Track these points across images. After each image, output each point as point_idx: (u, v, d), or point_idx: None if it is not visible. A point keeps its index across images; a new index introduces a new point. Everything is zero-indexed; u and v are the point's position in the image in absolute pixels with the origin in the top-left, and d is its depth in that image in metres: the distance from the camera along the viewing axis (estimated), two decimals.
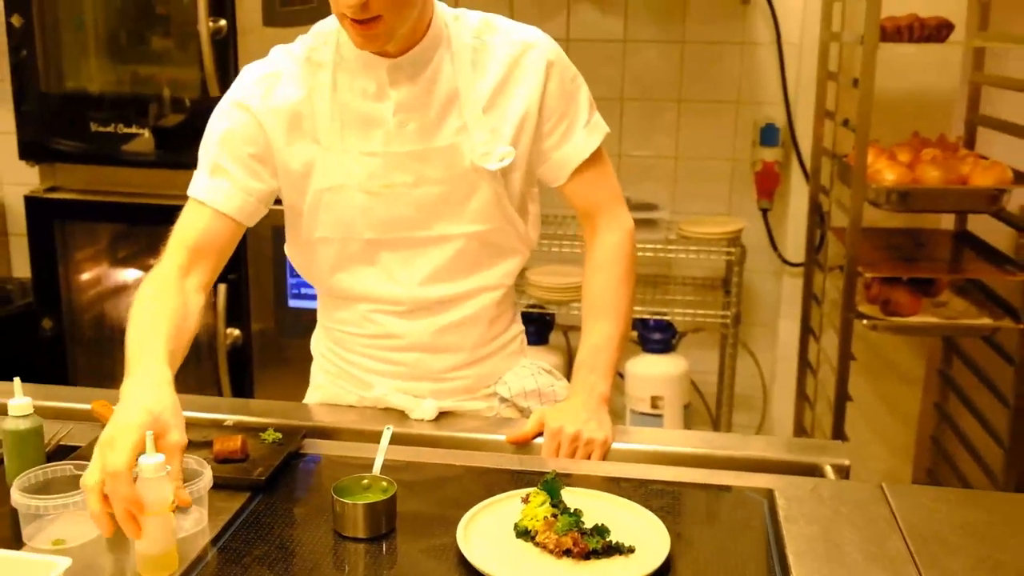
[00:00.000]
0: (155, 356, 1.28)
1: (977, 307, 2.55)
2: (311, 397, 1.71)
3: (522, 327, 1.71)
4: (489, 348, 1.62)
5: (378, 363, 1.60)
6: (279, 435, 1.43)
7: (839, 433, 2.59)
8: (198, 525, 1.23)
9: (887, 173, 2.36)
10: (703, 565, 1.17)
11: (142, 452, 1.11)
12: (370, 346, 1.59)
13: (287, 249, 1.62)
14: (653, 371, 3.00)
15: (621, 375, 3.09)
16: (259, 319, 2.87)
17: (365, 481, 1.25)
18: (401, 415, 1.58)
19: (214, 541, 1.21)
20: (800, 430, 3.03)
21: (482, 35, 1.50)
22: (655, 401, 2.98)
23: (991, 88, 2.71)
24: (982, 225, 2.70)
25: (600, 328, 1.58)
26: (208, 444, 1.38)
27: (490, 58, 1.49)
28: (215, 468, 1.33)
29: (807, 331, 2.97)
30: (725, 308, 2.96)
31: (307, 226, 1.53)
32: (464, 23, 1.51)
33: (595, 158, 1.58)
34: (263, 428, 1.45)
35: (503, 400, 1.64)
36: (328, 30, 1.49)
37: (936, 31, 2.44)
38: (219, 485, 1.29)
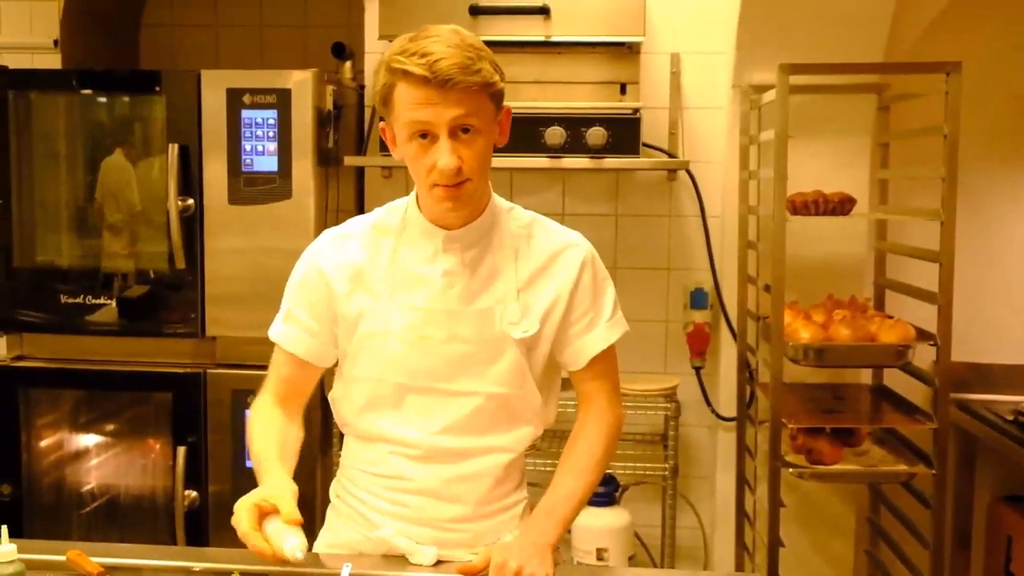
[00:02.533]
0: (273, 466, 1.64)
1: (895, 455, 2.74)
2: (323, 539, 1.83)
3: (527, 496, 1.84)
4: (493, 507, 1.75)
5: (386, 503, 1.73)
6: None
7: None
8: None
9: (803, 332, 2.59)
10: None
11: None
12: (382, 486, 1.73)
13: (332, 391, 1.81)
14: (598, 523, 3.11)
15: (569, 530, 3.20)
16: (216, 480, 2.96)
17: None
18: (403, 560, 1.70)
19: None
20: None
21: (531, 228, 1.74)
22: (600, 553, 3.08)
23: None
24: (898, 380, 2.91)
25: (569, 483, 1.73)
26: None
27: (535, 248, 1.72)
28: None
29: (743, 482, 3.13)
30: (664, 461, 3.11)
31: (349, 365, 1.73)
32: (516, 215, 1.75)
33: (609, 352, 1.78)
34: (229, 572, 1.56)
35: None
36: (399, 204, 1.75)
37: (840, 205, 2.71)
38: None
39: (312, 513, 2.08)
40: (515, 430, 1.75)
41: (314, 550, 1.77)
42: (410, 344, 1.68)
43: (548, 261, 1.72)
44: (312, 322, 1.73)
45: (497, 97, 1.61)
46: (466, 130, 1.56)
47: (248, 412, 1.79)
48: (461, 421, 1.70)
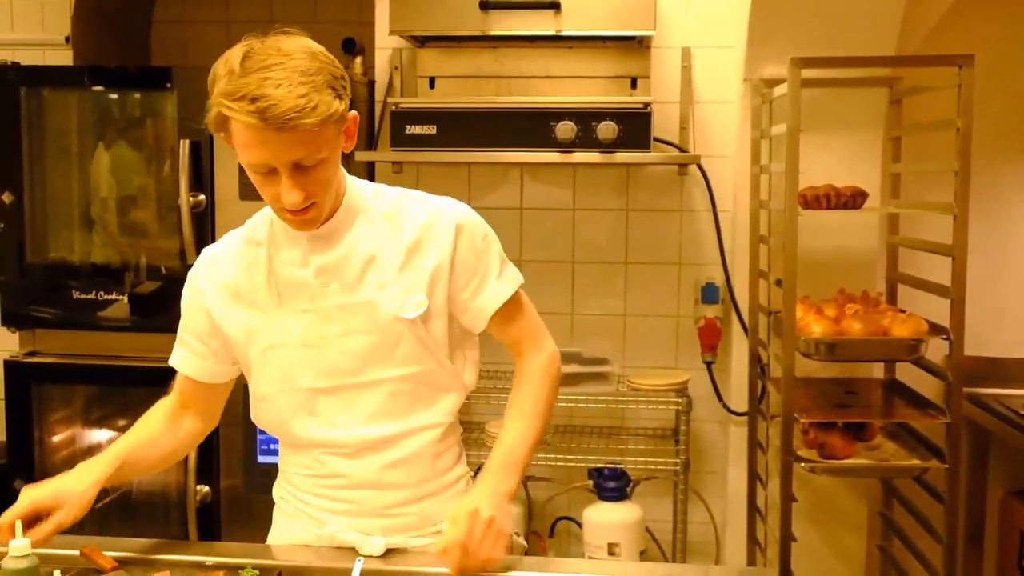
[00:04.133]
0: (100, 458, 1.70)
1: (907, 450, 2.73)
2: (272, 539, 1.84)
3: (467, 470, 1.86)
4: (433, 485, 1.75)
5: (329, 501, 1.74)
6: (257, 572, 1.55)
7: (787, 573, 2.71)
8: None
9: (814, 326, 2.58)
10: None
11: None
12: (321, 485, 1.74)
13: (251, 411, 1.81)
14: (609, 518, 3.11)
15: (579, 523, 3.20)
16: (228, 475, 2.97)
17: None
18: (353, 551, 1.69)
19: None
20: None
21: (399, 204, 1.72)
22: (612, 548, 3.08)
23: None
24: (910, 374, 2.90)
25: (517, 427, 1.73)
26: None
27: (405, 223, 1.70)
28: None
29: (754, 477, 3.12)
30: (675, 456, 3.11)
31: (255, 383, 1.75)
32: (382, 195, 1.74)
33: (513, 303, 1.76)
34: (242, 567, 1.57)
35: None
36: (264, 214, 1.73)
37: (852, 199, 2.70)
38: None
39: None
40: (437, 403, 1.75)
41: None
42: (311, 347, 1.68)
43: (422, 233, 1.69)
44: (199, 344, 1.77)
45: (340, 120, 1.55)
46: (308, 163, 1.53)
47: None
48: (381, 409, 1.70)
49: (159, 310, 2.99)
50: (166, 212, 2.98)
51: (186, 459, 2.93)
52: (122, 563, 1.62)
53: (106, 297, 3.02)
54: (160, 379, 3.02)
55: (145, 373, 2.99)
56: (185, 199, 2.85)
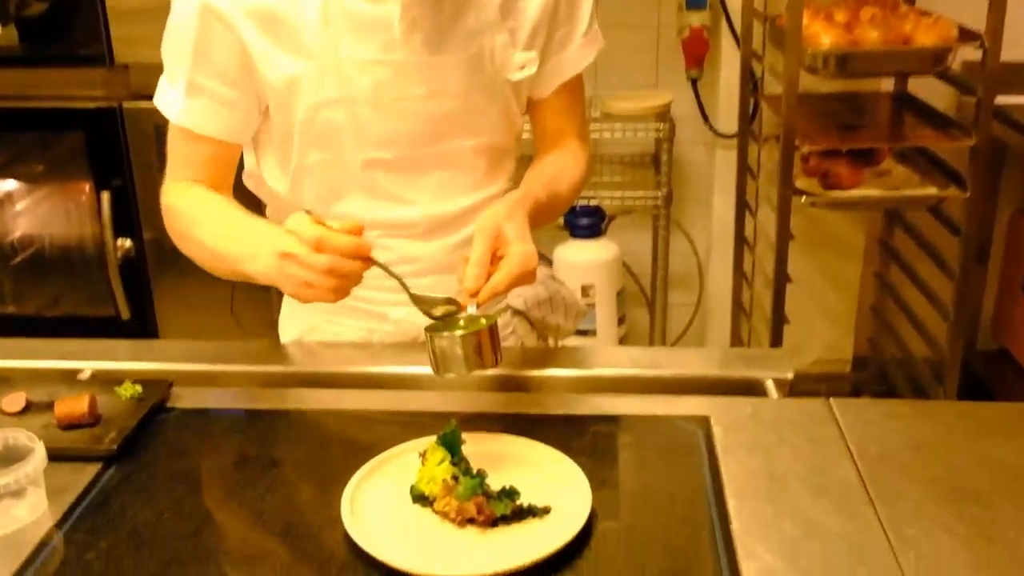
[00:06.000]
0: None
1: (921, 175, 2.39)
2: (289, 334, 1.48)
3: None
4: None
5: (390, 293, 1.30)
6: (138, 388, 1.22)
7: (779, 314, 2.46)
8: (36, 511, 1.04)
9: (823, 36, 2.16)
10: (628, 522, 1.01)
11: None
12: (382, 273, 1.29)
13: (254, 184, 1.40)
14: (582, 258, 2.83)
15: (550, 261, 2.92)
16: (150, 227, 2.63)
17: (460, 322, 1.11)
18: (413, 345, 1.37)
19: (59, 525, 1.02)
20: (738, 307, 2.90)
21: None
22: (586, 290, 2.82)
23: None
24: (921, 84, 2.52)
25: (533, 182, 1.34)
26: (51, 406, 1.17)
27: None
28: (60, 437, 1.14)
29: (743, 206, 2.81)
30: (656, 187, 2.77)
31: (299, 151, 1.30)
32: None
33: (579, 81, 1.40)
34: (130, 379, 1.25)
35: (516, 313, 1.48)
36: None
37: None
38: (65, 457, 1.11)
39: None
40: (505, 166, 1.41)
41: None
42: (383, 109, 1.26)
43: None
44: (225, 89, 1.27)
45: None
46: None
47: (165, 208, 1.34)
48: (456, 183, 1.35)
49: (49, 39, 2.52)
50: None
51: (99, 210, 2.56)
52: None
53: None
54: (58, 121, 2.63)
55: (41, 115, 2.57)
56: None
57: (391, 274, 1.13)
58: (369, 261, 1.11)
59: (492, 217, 1.16)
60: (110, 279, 2.61)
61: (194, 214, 1.30)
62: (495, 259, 1.14)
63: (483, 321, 1.09)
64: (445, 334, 1.06)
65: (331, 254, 1.08)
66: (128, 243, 2.62)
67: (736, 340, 2.92)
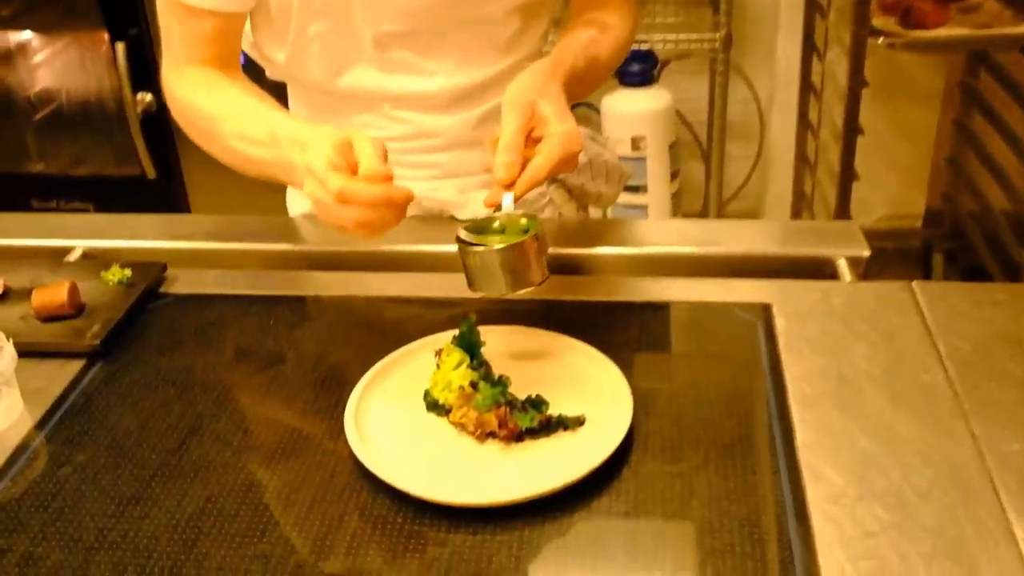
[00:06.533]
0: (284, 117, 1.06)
1: (1014, 11, 2.13)
2: (298, 207, 1.34)
3: None
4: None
5: (406, 168, 1.18)
6: (127, 272, 1.10)
7: (848, 168, 2.26)
8: (11, 415, 0.93)
9: None
10: (675, 436, 0.87)
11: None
12: (397, 150, 1.15)
13: (248, 47, 1.22)
14: (633, 108, 2.62)
15: (597, 109, 2.72)
16: None
17: (496, 224, 0.91)
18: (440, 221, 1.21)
19: (34, 432, 0.91)
20: (802, 160, 2.69)
21: None
22: (636, 142, 2.62)
23: None
24: None
25: (568, 46, 1.12)
26: (31, 293, 1.05)
27: None
28: (38, 330, 1.02)
29: (810, 48, 2.57)
30: (714, 29, 2.53)
31: (298, 22, 1.12)
32: None
33: None
34: (124, 261, 1.12)
35: (553, 179, 1.30)
36: None
37: None
38: (45, 353, 1.00)
39: None
40: (535, 27, 1.20)
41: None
42: None
43: None
44: None
45: None
46: None
47: (176, 102, 1.15)
48: (480, 49, 1.16)
49: None
50: None
51: (115, 63, 2.41)
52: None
53: None
54: None
55: None
56: None
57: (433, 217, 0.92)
58: (404, 204, 0.90)
59: (522, 90, 0.96)
60: (132, 137, 2.48)
61: (213, 111, 1.10)
62: (529, 141, 0.95)
63: (524, 222, 0.89)
64: (479, 249, 0.87)
65: (358, 207, 0.89)
66: (149, 97, 2.47)
67: (798, 195, 2.73)
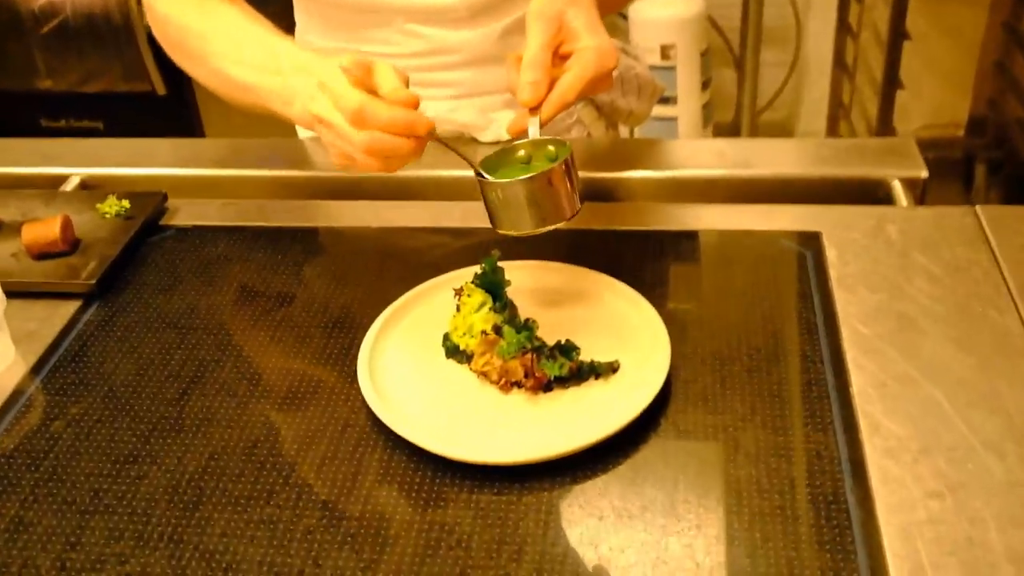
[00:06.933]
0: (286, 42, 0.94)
1: None
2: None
3: None
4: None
5: (422, 87, 1.08)
6: (125, 204, 1.02)
7: (892, 76, 2.13)
8: (3, 361, 0.87)
9: None
10: (716, 383, 0.79)
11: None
12: (414, 68, 1.03)
13: None
14: (662, 14, 2.49)
15: (624, 16, 2.59)
16: None
17: (521, 152, 0.82)
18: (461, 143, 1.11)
19: (27, 380, 0.85)
20: (840, 67, 2.56)
21: None
22: (666, 51, 2.50)
23: None
24: None
25: None
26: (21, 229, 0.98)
27: None
28: (30, 268, 0.95)
29: None
30: None
31: None
32: None
33: None
34: (123, 191, 1.04)
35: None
36: None
37: None
38: (37, 294, 0.93)
39: None
40: None
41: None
42: None
43: None
44: None
45: None
46: None
47: (158, 17, 1.04)
48: None
49: None
50: None
51: None
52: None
53: None
54: None
55: None
56: None
57: (456, 152, 0.82)
58: (425, 138, 0.81)
59: (549, 0, 0.86)
60: (141, 52, 2.39)
61: (204, 29, 0.98)
62: (557, 58, 0.85)
63: (551, 149, 0.80)
64: (501, 181, 0.78)
65: (375, 131, 0.79)
66: None
67: (835, 104, 2.61)
